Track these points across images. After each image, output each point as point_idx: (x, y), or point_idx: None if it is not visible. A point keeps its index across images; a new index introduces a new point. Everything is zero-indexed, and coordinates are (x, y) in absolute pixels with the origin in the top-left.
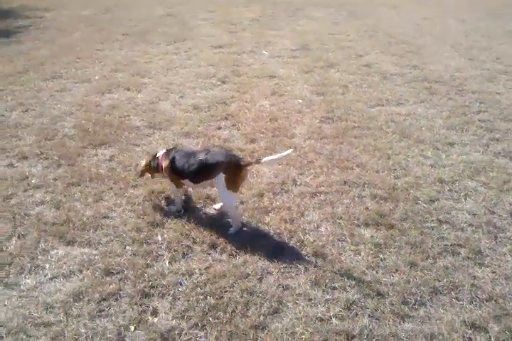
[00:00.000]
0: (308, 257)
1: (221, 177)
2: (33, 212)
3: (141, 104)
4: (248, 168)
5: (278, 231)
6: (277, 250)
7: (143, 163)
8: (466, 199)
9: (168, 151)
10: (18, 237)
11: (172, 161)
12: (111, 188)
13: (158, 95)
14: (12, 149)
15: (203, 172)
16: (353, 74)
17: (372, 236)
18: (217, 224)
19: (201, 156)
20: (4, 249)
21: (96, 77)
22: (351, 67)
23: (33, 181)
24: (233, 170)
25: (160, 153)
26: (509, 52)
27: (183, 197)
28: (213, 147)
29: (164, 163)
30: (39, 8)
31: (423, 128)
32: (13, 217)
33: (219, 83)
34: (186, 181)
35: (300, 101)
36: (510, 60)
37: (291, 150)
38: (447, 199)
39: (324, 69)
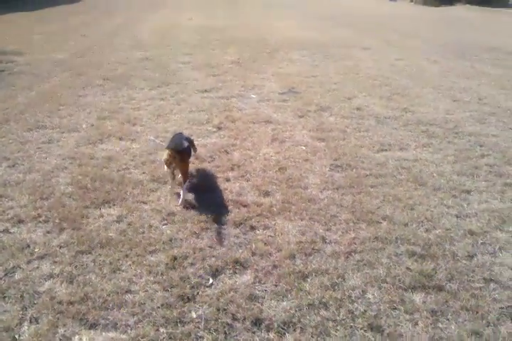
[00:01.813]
0: (365, 331)
1: None
2: (42, 288)
3: (138, 155)
4: (177, 154)
5: (323, 300)
6: (329, 324)
7: None
8: (502, 252)
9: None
10: (31, 321)
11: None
12: (127, 255)
13: (154, 145)
14: (4, 211)
15: None
16: (347, 118)
17: (424, 302)
18: (255, 293)
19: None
20: (17, 338)
21: (83, 126)
22: (344, 111)
23: (36, 250)
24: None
25: None
26: (489, 93)
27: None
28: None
29: None
30: (8, 51)
31: (435, 175)
32: (21, 296)
33: (215, 130)
34: None
35: (303, 147)
36: (492, 100)
37: None
38: (484, 254)
39: (318, 113)
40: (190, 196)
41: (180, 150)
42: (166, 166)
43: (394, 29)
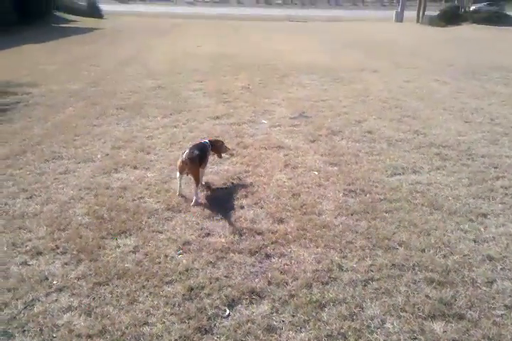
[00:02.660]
0: None
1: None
2: (61, 321)
3: (153, 184)
4: (189, 162)
5: (342, 331)
6: None
7: None
8: None
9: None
10: None
11: None
12: (143, 286)
13: (169, 173)
14: (23, 243)
15: None
16: (359, 141)
17: (445, 332)
18: (273, 324)
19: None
20: None
21: (98, 156)
22: (355, 134)
23: (54, 282)
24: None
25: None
26: (501, 113)
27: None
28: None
29: None
30: (23, 83)
31: (450, 198)
32: (40, 330)
33: (227, 156)
34: None
35: (316, 173)
36: (504, 120)
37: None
38: (504, 280)
39: (329, 138)
40: (206, 224)
41: (190, 158)
42: (178, 172)
43: (402, 50)
